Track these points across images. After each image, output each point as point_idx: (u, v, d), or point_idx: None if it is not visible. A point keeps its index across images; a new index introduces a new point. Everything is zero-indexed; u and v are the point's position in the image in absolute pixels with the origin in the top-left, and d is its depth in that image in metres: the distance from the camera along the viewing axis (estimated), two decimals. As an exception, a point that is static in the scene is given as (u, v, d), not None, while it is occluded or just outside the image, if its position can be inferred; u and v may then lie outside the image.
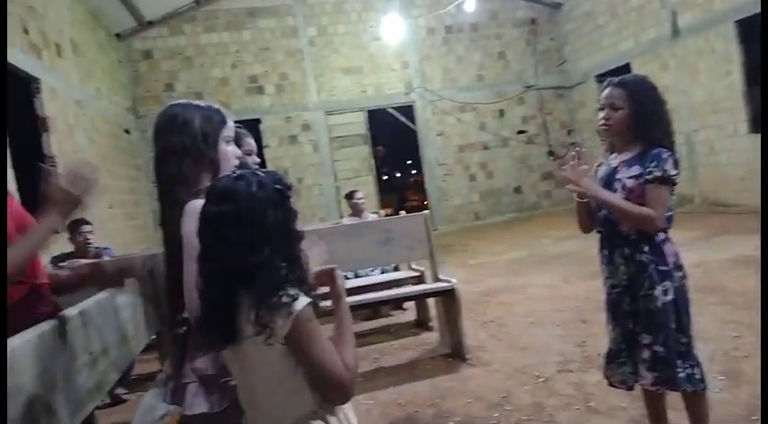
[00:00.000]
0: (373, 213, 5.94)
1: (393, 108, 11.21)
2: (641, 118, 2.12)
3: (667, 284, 2.11)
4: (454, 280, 3.72)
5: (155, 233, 8.99)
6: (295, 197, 1.24)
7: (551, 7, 11.62)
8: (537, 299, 4.91)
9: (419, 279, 4.48)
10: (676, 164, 2.11)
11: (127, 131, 9.28)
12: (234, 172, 1.22)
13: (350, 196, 5.55)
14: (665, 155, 2.08)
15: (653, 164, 2.06)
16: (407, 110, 11.27)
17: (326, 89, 10.84)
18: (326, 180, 10.72)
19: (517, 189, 11.40)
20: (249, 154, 2.47)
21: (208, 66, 10.33)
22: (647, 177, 2.05)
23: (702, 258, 5.43)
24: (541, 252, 7.28)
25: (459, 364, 3.58)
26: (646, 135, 2.13)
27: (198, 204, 1.44)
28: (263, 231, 1.13)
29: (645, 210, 2.03)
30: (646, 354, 2.12)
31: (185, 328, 1.55)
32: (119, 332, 1.97)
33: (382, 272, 4.94)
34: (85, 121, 7.14)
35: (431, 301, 4.37)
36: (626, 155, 2.18)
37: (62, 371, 1.38)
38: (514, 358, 3.54)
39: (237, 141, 2.45)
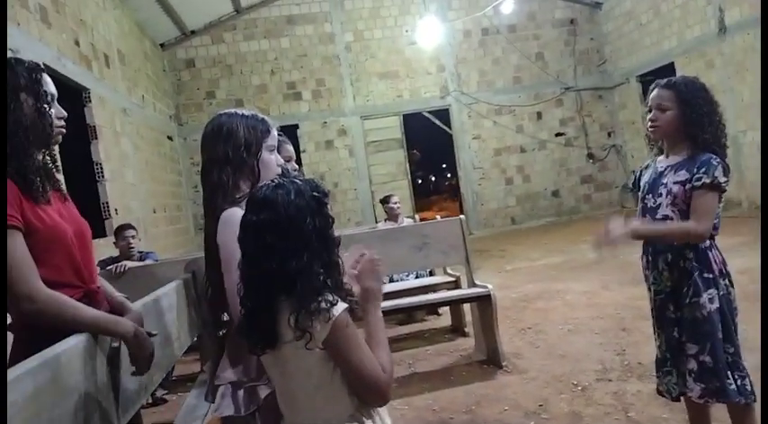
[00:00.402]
0: (409, 217, 5.95)
1: (429, 112, 11.21)
2: (690, 119, 2.06)
3: (713, 291, 2.05)
4: (490, 286, 3.70)
5: (196, 237, 9.24)
6: (331, 203, 1.28)
7: (591, 7, 11.41)
8: (575, 306, 4.83)
9: (455, 284, 4.47)
10: (726, 171, 2.04)
11: (170, 138, 9.58)
12: (273, 181, 1.26)
13: (385, 200, 5.58)
14: (715, 162, 2.02)
15: (702, 170, 2.00)
16: (443, 114, 11.24)
17: (362, 94, 10.92)
18: (362, 184, 10.79)
19: (555, 193, 11.21)
20: (288, 161, 2.53)
21: (247, 73, 10.56)
22: (695, 184, 2.00)
23: (748, 264, 5.22)
24: (579, 258, 7.14)
25: (494, 371, 3.55)
26: (695, 137, 2.07)
27: (234, 212, 1.50)
28: (301, 238, 1.17)
29: (688, 226, 1.98)
30: (692, 364, 2.07)
31: (225, 331, 1.61)
32: (163, 334, 2.04)
33: (417, 277, 4.95)
34: (131, 129, 7.42)
35: (466, 306, 4.35)
36: (674, 159, 2.13)
37: (111, 372, 1.45)
38: (552, 366, 3.50)
39: (277, 148, 2.53)
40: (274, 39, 10.68)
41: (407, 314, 4.87)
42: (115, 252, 4.12)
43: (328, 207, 1.26)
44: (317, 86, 10.80)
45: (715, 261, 2.09)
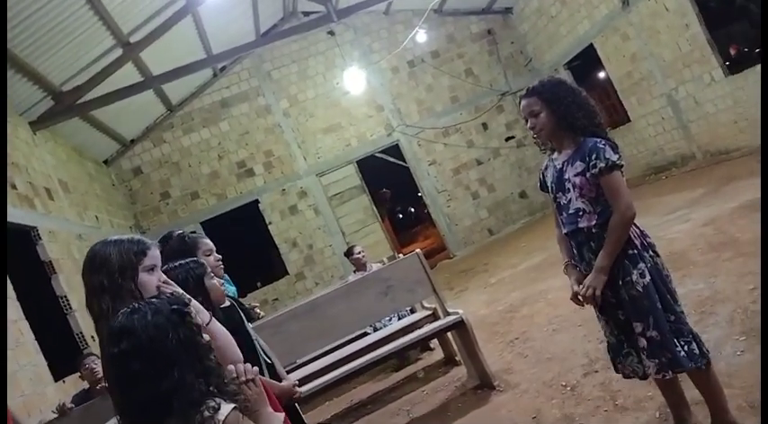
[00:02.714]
0: (377, 263, 5.95)
1: (380, 152, 11.37)
2: (560, 113, 2.16)
3: (642, 266, 2.09)
4: (460, 311, 3.70)
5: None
6: (194, 313, 1.27)
7: (503, 14, 11.84)
8: (557, 304, 4.82)
9: (434, 317, 4.44)
10: (615, 149, 2.13)
11: (136, 247, 9.54)
12: (127, 308, 1.26)
13: (349, 253, 5.59)
14: (600, 144, 2.10)
15: (594, 157, 2.08)
16: (395, 150, 11.41)
17: (312, 153, 11.08)
18: (335, 239, 10.81)
19: (522, 194, 11.33)
20: (209, 255, 2.55)
21: (195, 164, 10.67)
22: (593, 171, 2.07)
23: (712, 214, 5.31)
24: (556, 253, 7.13)
25: (488, 393, 3.52)
26: (573, 126, 2.17)
27: None
28: (167, 355, 1.16)
29: (616, 220, 2.04)
30: (642, 342, 2.09)
31: None
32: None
33: (399, 318, 4.91)
34: (92, 251, 7.38)
35: (450, 335, 4.32)
36: (566, 153, 2.21)
37: None
38: (541, 373, 3.47)
39: (194, 245, 2.55)
40: (213, 126, 10.85)
41: (398, 359, 4.80)
42: (84, 384, 4.02)
43: (192, 315, 1.27)
44: (267, 158, 10.93)
45: (635, 236, 2.13)
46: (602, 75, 11.44)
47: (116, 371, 1.19)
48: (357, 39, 11.40)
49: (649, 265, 2.10)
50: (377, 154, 11.35)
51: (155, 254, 1.66)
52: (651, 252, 2.13)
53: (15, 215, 5.73)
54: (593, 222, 2.12)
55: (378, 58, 11.30)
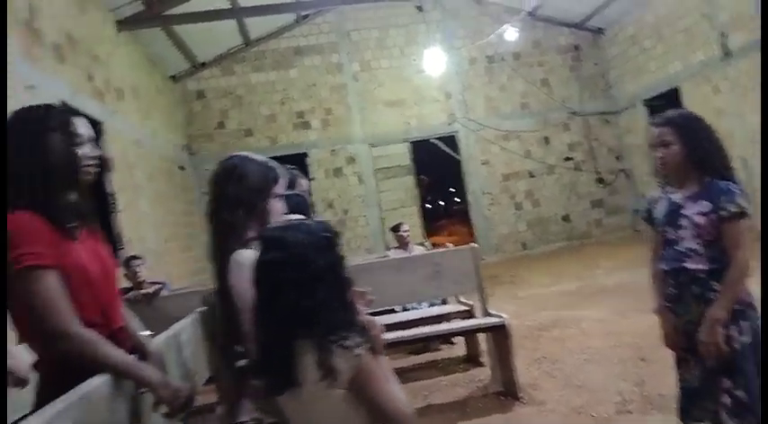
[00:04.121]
0: (419, 244, 5.94)
1: (436, 138, 11.28)
2: (695, 150, 2.08)
3: (744, 324, 2.02)
4: (505, 315, 3.66)
5: (208, 265, 9.25)
6: (342, 230, 1.28)
7: (594, 33, 11.54)
8: (591, 334, 4.76)
9: (468, 313, 4.42)
10: (745, 196, 2.05)
11: (182, 167, 9.68)
12: (283, 222, 1.28)
13: (396, 229, 5.58)
14: (734, 189, 2.02)
15: (725, 200, 2.00)
16: (451, 140, 11.31)
17: (370, 122, 11.03)
18: (371, 211, 10.81)
19: (565, 218, 11.17)
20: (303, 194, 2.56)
21: (257, 103, 10.71)
22: (723, 214, 1.99)
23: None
24: (594, 284, 7.07)
25: (512, 403, 3.49)
26: (703, 166, 2.09)
27: (244, 255, 1.51)
28: (315, 274, 1.17)
29: (735, 271, 1.98)
30: (726, 399, 2.02)
31: (241, 367, 1.59)
32: (183, 368, 2.04)
33: (430, 305, 4.91)
34: (144, 159, 7.51)
35: (481, 336, 4.30)
36: (689, 190, 2.12)
37: (135, 407, 1.45)
38: (570, 397, 3.43)
39: (292, 183, 2.55)
40: (283, 70, 10.85)
41: (422, 344, 4.81)
42: (127, 283, 4.14)
43: (339, 248, 1.27)
44: (326, 115, 10.92)
45: (743, 293, 2.06)
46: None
47: (264, 277, 1.20)
48: (443, 21, 11.23)
49: (752, 325, 2.04)
50: (432, 140, 11.26)
51: (284, 183, 1.67)
52: (754, 313, 2.07)
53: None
54: (703, 266, 2.05)
55: (459, 45, 11.13)
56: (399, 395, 1.19)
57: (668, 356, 3.90)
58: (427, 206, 29.08)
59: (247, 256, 1.50)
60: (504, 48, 11.10)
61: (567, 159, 11.28)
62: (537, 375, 3.91)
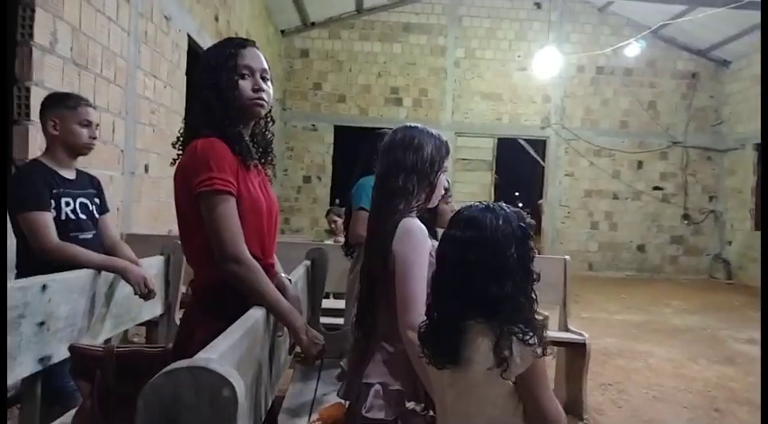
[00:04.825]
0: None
1: (524, 139, 11.03)
2: None
3: None
4: (586, 335, 3.57)
5: (281, 217, 9.51)
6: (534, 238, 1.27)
7: (717, 63, 10.86)
8: (659, 372, 4.58)
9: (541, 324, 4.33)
10: None
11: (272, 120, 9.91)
12: (481, 203, 1.27)
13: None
14: None
15: None
16: (539, 145, 11.03)
17: (462, 110, 10.90)
18: (444, 199, 10.73)
19: (640, 248, 10.72)
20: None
21: (355, 71, 10.78)
22: None
23: None
24: (662, 321, 6.79)
25: (574, 421, 3.42)
26: None
27: (415, 223, 1.52)
28: (505, 264, 1.16)
29: None
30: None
31: (369, 330, 1.62)
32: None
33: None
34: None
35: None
36: None
37: (273, 345, 1.52)
38: (637, 431, 3.33)
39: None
40: (387, 44, 10.84)
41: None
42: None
43: (532, 241, 1.25)
44: (420, 96, 10.87)
45: None
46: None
47: (453, 253, 1.20)
48: (559, 23, 10.86)
49: None
50: (521, 140, 11.01)
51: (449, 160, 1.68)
52: None
53: (208, 44, 6.03)
54: None
55: (570, 50, 10.75)
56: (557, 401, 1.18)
57: (744, 412, 3.72)
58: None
59: (418, 225, 1.51)
60: (617, 62, 10.65)
61: (657, 188, 10.77)
62: (602, 401, 3.82)
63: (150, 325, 3.20)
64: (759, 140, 9.86)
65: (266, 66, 1.60)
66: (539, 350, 1.13)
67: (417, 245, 1.47)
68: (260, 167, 1.62)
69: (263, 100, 1.57)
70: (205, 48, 5.73)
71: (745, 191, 10.18)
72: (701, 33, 10.13)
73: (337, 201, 10.32)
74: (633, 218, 10.74)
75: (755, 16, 8.73)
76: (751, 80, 10.17)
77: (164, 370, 0.71)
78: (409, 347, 1.40)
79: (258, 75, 1.57)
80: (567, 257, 3.95)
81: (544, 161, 10.99)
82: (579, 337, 3.54)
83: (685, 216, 10.72)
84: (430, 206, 1.64)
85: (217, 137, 1.46)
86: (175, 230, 1.59)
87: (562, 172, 10.84)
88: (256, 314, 1.31)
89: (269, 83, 1.60)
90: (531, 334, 1.14)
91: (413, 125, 1.65)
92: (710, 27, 9.60)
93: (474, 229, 1.19)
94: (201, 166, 1.41)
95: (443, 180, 1.65)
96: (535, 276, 1.22)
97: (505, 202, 1.33)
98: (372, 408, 1.44)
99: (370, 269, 1.58)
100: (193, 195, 1.41)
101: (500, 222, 1.19)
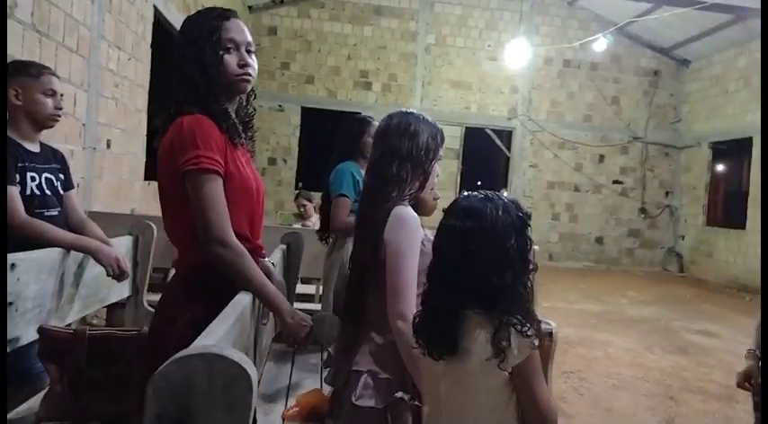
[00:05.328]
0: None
1: (491, 129, 11.13)
2: None
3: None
4: (553, 324, 3.63)
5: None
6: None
7: (678, 62, 11.19)
8: (618, 361, 4.73)
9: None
10: None
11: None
12: (479, 193, 1.25)
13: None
14: None
15: None
16: (506, 136, 11.15)
17: (431, 97, 10.89)
18: (411, 186, 10.75)
19: (599, 240, 11.04)
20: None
21: (325, 52, 10.61)
22: None
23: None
24: (619, 312, 7.02)
25: (539, 408, 3.50)
26: None
27: (407, 212, 1.49)
28: (505, 255, 1.15)
29: None
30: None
31: (358, 318, 1.59)
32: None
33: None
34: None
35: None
36: None
37: (258, 329, 1.47)
38: (599, 418, 3.43)
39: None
40: (358, 26, 10.70)
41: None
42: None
43: (529, 230, 1.24)
44: (389, 80, 10.80)
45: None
46: (742, 171, 10.81)
47: (451, 243, 1.18)
48: (530, 14, 10.95)
49: None
50: (487, 130, 11.11)
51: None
52: None
53: (175, 18, 5.80)
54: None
55: (538, 42, 10.85)
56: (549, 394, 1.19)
57: (697, 401, 3.89)
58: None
59: (411, 214, 1.48)
60: (583, 56, 10.84)
61: (616, 182, 11.09)
62: (564, 389, 3.91)
63: (112, 308, 3.08)
64: (714, 139, 10.26)
65: (250, 39, 1.53)
66: (536, 341, 1.12)
67: (410, 234, 1.45)
68: (246, 145, 1.56)
69: (250, 75, 1.51)
70: (178, 20, 5.54)
71: (699, 188, 10.58)
72: (665, 32, 10.40)
73: (300, 185, 10.20)
74: (593, 211, 11.03)
75: (718, 18, 9.02)
76: (710, 80, 10.52)
77: (174, 356, 0.67)
78: (398, 336, 1.38)
79: (243, 49, 1.50)
80: (535, 247, 3.99)
81: (510, 151, 11.13)
82: (547, 326, 3.59)
83: (642, 210, 11.09)
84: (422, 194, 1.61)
85: (203, 114, 1.39)
86: (139, 209, 1.51)
87: (527, 163, 11.00)
88: (244, 300, 1.26)
89: (253, 56, 1.53)
90: (529, 325, 1.13)
91: (409, 111, 1.62)
92: (674, 26, 9.86)
93: (474, 219, 1.17)
94: (188, 144, 1.34)
95: (437, 168, 1.62)
96: (532, 266, 1.21)
97: (470, 190, 1.32)
98: (362, 396, 1.42)
99: (361, 257, 1.54)
100: (179, 174, 1.34)
101: (500, 212, 1.18)
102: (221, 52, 1.45)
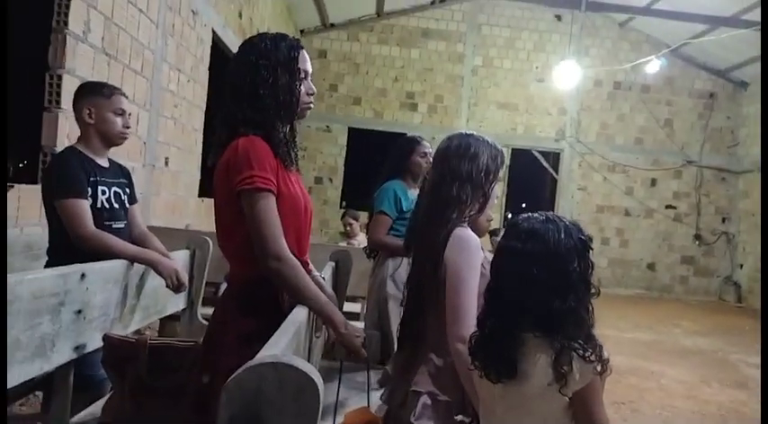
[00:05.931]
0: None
1: (539, 151, 11.00)
2: None
3: None
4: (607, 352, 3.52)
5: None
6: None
7: (736, 84, 10.81)
8: (672, 394, 4.53)
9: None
10: None
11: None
12: (541, 214, 1.25)
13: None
14: None
15: None
16: (553, 158, 10.99)
17: (477, 119, 10.87)
18: (455, 207, 10.70)
19: (651, 266, 10.66)
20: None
21: (372, 75, 10.79)
22: None
23: None
24: (672, 342, 6.73)
25: (588, 439, 3.38)
26: None
27: (469, 234, 1.50)
28: (567, 279, 1.14)
29: None
30: None
31: (416, 339, 1.59)
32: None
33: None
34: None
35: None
36: None
37: (308, 344, 1.50)
38: (652, 453, 3.28)
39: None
40: (405, 48, 10.85)
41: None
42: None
43: (591, 253, 1.23)
44: (435, 102, 10.86)
45: None
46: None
47: (511, 266, 1.18)
48: (579, 36, 10.82)
49: None
50: (535, 152, 10.99)
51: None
52: None
53: (232, 41, 6.04)
54: None
55: (588, 64, 10.71)
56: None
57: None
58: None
59: (471, 236, 1.49)
60: (635, 78, 10.62)
61: (669, 207, 10.72)
62: (615, 419, 3.77)
63: (164, 320, 3.18)
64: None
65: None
66: (598, 367, 1.10)
67: (471, 256, 1.45)
68: (295, 165, 1.62)
69: (312, 104, 1.63)
70: (234, 44, 5.78)
71: (759, 214, 10.10)
72: (721, 53, 10.09)
73: (344, 204, 10.32)
74: (644, 236, 10.68)
75: (779, 39, 8.68)
76: (769, 103, 10.10)
77: (248, 364, 0.71)
78: (457, 358, 1.37)
79: (310, 78, 1.60)
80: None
81: (557, 173, 10.95)
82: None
83: (697, 237, 10.66)
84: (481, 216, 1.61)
85: (259, 136, 1.46)
86: (192, 224, 1.58)
87: (575, 185, 10.79)
88: (301, 314, 1.29)
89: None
90: (591, 350, 1.11)
91: (469, 132, 1.64)
92: (731, 47, 9.56)
93: (535, 242, 1.17)
94: (243, 164, 1.41)
95: (496, 190, 1.63)
96: (594, 289, 1.20)
97: (512, 213, 1.31)
98: (422, 417, 1.41)
99: (420, 277, 1.55)
100: (234, 193, 1.41)
101: (562, 235, 1.17)
102: (298, 82, 1.52)
